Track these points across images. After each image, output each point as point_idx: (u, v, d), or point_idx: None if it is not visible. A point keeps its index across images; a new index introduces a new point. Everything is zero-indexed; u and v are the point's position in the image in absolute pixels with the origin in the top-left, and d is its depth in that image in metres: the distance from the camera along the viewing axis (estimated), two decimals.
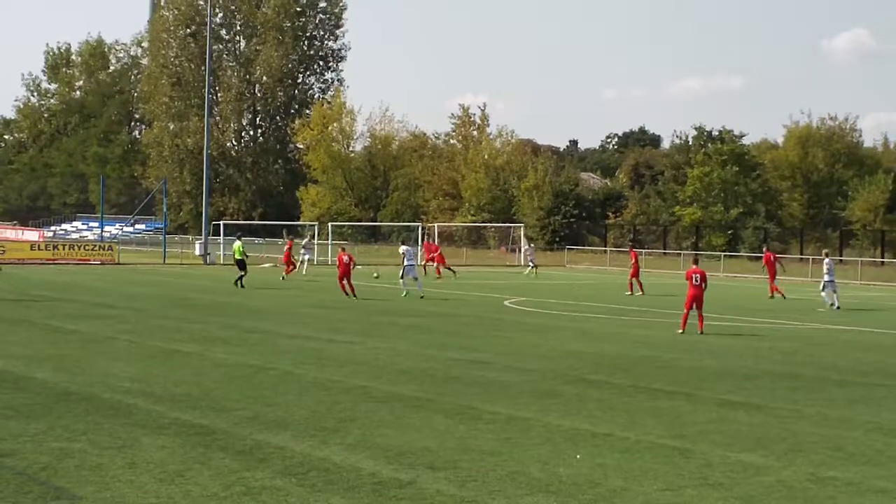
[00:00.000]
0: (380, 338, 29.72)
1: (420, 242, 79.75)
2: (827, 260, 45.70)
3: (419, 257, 50.44)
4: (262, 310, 38.68)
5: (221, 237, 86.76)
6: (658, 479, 13.57)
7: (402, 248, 48.67)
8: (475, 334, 31.41)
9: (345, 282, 45.33)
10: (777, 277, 53.12)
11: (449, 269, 64.70)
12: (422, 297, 45.09)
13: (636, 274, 52.47)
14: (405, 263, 46.96)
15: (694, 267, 33.65)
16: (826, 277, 44.74)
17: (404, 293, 45.68)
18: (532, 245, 76.26)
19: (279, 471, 13.54)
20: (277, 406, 18.17)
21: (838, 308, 43.80)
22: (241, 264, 51.00)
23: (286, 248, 61.48)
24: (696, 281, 32.83)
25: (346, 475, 13.37)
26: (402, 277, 46.90)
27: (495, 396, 19.70)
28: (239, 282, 49.73)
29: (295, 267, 62.24)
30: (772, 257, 53.96)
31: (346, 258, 46.16)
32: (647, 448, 15.45)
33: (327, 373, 22.40)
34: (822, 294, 44.78)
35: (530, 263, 69.97)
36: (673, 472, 13.98)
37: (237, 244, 52.51)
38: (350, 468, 13.73)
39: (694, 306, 32.83)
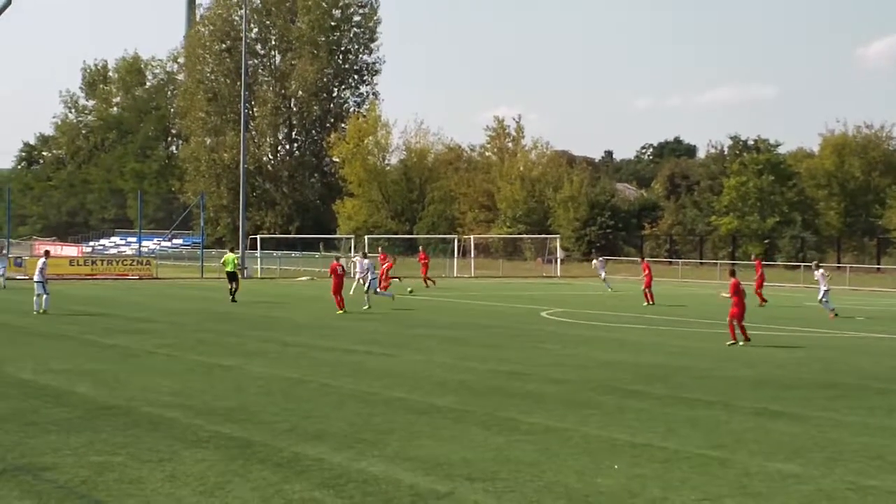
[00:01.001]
0: (417, 350, 29.77)
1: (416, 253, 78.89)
2: (821, 271, 45.81)
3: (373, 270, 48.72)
4: (299, 323, 38.79)
5: (259, 251, 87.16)
6: (697, 489, 13.54)
7: (362, 263, 48.65)
8: (512, 346, 31.41)
9: (339, 296, 44.24)
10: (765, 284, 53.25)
11: (396, 277, 64.60)
12: (366, 308, 45.08)
13: (649, 284, 52.26)
14: (369, 277, 46.82)
15: (736, 279, 32.74)
16: (823, 287, 44.70)
17: (366, 306, 45.37)
18: (601, 258, 68.90)
19: (317, 483, 13.58)
20: (315, 418, 18.22)
21: (834, 310, 44.11)
22: (233, 276, 50.09)
23: (386, 265, 57.89)
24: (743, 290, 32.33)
25: (385, 487, 13.40)
26: (366, 291, 46.41)
27: (533, 407, 19.70)
28: (232, 296, 49.09)
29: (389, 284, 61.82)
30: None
31: (340, 269, 45.09)
32: (686, 458, 15.43)
33: (365, 385, 22.44)
34: (825, 305, 44.48)
35: (603, 278, 64.88)
36: (711, 482, 13.95)
37: (229, 256, 51.94)
38: (388, 480, 13.76)
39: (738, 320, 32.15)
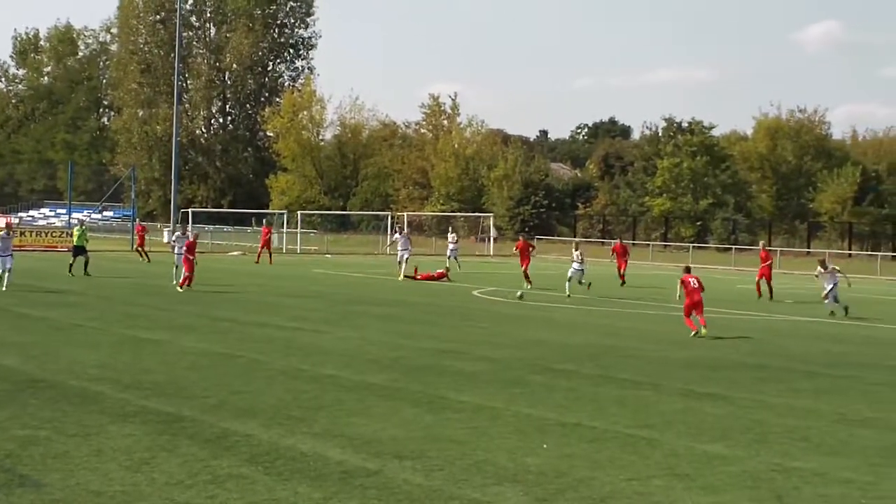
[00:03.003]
0: (349, 327, 29.69)
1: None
2: (577, 252, 44.87)
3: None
4: (230, 298, 38.59)
5: (190, 224, 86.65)
6: (625, 469, 13.60)
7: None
8: (444, 324, 31.45)
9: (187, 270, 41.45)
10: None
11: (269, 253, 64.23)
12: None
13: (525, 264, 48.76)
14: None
15: (688, 274, 31.24)
16: (576, 266, 44.17)
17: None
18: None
19: (246, 459, 13.51)
20: (245, 394, 18.13)
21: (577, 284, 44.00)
22: (78, 251, 47.88)
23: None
24: (695, 285, 30.35)
25: (314, 464, 13.36)
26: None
27: (464, 386, 19.71)
28: (70, 268, 47.14)
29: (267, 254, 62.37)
30: (620, 247, 53.38)
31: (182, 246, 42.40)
32: (614, 438, 15.49)
33: (295, 361, 22.36)
34: (576, 282, 44.31)
35: (452, 256, 59.28)
36: (639, 462, 14.02)
37: (77, 229, 49.96)
38: (317, 457, 13.71)
39: (694, 312, 30.34)
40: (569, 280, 43.98)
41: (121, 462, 13.19)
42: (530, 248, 50.82)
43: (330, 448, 14.22)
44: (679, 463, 14.07)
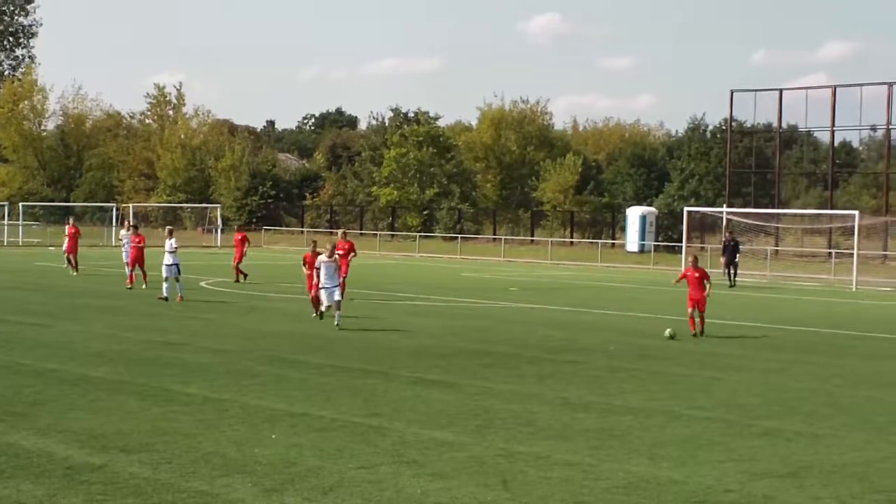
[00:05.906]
0: (72, 320, 29.14)
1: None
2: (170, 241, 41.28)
3: None
4: None
5: None
6: (353, 458, 13.69)
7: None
8: (171, 316, 31.08)
9: None
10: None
11: None
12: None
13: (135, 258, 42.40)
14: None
15: (310, 253, 32.83)
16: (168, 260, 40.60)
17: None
18: (129, 230, 47.35)
19: None
20: None
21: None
22: None
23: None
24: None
25: (37, 460, 13.07)
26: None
27: (192, 378, 19.55)
28: None
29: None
30: (241, 237, 47.05)
31: None
32: (343, 426, 15.58)
33: (17, 356, 21.82)
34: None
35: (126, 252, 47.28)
36: (368, 450, 14.13)
37: None
38: (41, 453, 13.42)
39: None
40: (165, 280, 36.28)
41: None
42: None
43: (54, 444, 13.95)
44: (408, 450, 14.24)
